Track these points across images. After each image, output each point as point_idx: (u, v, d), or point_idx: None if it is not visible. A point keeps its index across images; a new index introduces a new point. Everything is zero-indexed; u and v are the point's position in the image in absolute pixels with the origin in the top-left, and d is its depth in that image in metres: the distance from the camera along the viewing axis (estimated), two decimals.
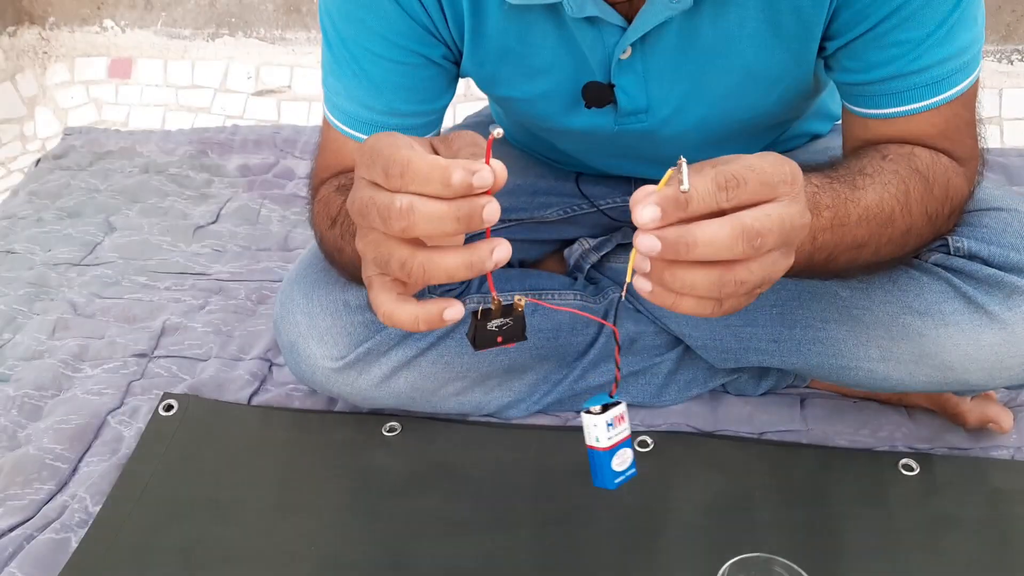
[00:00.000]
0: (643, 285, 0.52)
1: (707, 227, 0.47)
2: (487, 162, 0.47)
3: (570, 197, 0.98)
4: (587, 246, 0.97)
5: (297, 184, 1.43)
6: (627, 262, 0.95)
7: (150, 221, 1.33)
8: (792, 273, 0.62)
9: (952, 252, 0.77)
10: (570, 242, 0.99)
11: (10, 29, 1.59)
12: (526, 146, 1.00)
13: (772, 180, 0.49)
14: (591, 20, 0.69)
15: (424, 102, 0.78)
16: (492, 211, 0.47)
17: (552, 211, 0.98)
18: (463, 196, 0.47)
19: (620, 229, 0.98)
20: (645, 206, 0.48)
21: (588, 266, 0.96)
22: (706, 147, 0.83)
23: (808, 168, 0.57)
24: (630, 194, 0.96)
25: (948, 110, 0.70)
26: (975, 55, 0.70)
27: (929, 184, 0.68)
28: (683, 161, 0.48)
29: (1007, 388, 0.85)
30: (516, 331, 0.54)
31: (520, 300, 0.53)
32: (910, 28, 0.67)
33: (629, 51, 0.71)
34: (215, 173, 1.46)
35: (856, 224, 0.64)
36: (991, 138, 1.36)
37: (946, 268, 0.77)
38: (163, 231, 1.31)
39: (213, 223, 1.34)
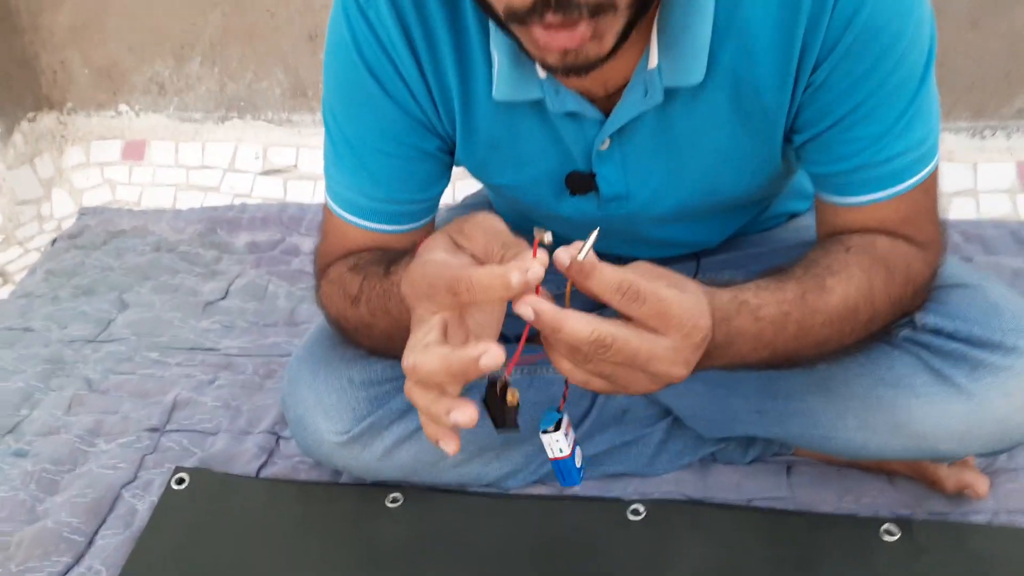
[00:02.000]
0: None
1: (575, 319, 0.56)
2: (534, 255, 0.56)
3: (563, 278, 1.03)
4: None
5: (303, 260, 1.49)
6: None
7: (162, 298, 1.38)
8: (756, 368, 0.68)
9: (918, 327, 0.82)
10: None
11: (30, 115, 1.66)
12: (518, 227, 1.05)
13: (669, 320, 0.57)
14: (572, 115, 0.75)
15: (421, 191, 0.83)
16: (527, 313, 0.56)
17: (545, 287, 1.03)
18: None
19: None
20: (537, 267, 0.55)
21: None
22: (685, 226, 0.89)
23: (789, 277, 0.67)
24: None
25: (910, 197, 0.75)
26: (932, 145, 0.75)
27: (891, 271, 0.73)
28: (595, 233, 0.57)
29: (979, 456, 0.89)
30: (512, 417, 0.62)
31: (513, 393, 0.62)
32: (871, 124, 0.72)
33: (608, 142, 0.76)
34: (224, 250, 1.52)
35: (820, 327, 0.69)
36: (968, 210, 1.43)
37: (914, 343, 0.82)
38: (174, 307, 1.36)
39: (222, 299, 1.39)
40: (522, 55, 0.69)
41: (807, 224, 0.99)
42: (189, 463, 1.04)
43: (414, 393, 0.60)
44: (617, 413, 0.96)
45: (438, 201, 0.86)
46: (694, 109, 0.74)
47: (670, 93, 0.71)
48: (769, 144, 0.77)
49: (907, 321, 0.82)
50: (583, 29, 0.58)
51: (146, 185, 1.68)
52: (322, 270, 0.86)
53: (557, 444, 0.67)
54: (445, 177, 0.85)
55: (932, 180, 0.76)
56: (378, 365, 0.88)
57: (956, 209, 1.41)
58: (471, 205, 1.14)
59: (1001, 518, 0.90)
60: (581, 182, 0.80)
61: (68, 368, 1.23)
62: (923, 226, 0.77)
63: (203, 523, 0.95)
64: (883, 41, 0.68)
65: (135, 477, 1.03)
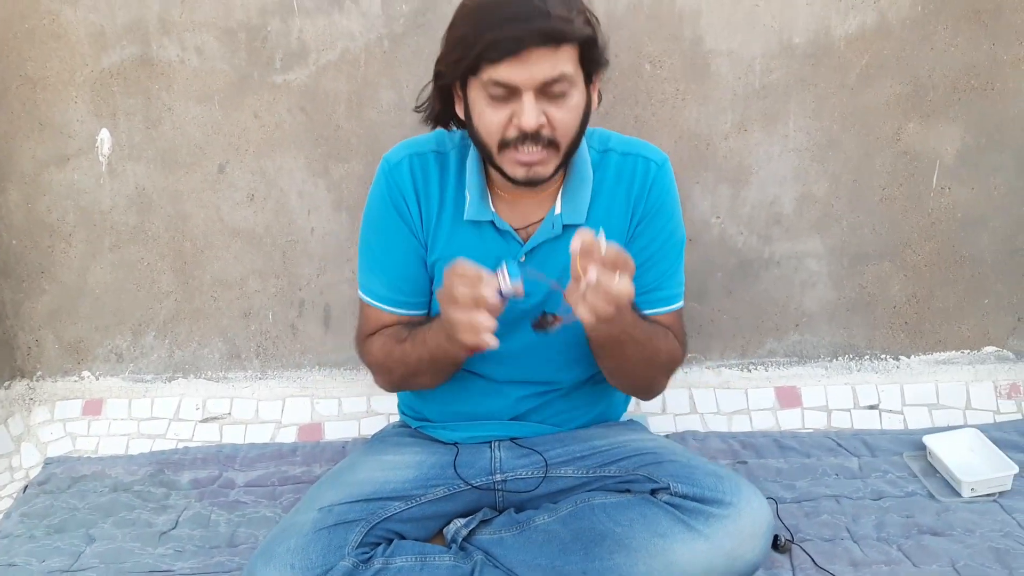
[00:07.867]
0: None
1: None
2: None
3: (451, 479, 1.43)
4: (459, 525, 1.41)
5: (238, 492, 1.82)
6: (486, 535, 1.39)
7: (122, 531, 1.68)
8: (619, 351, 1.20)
9: (673, 494, 1.27)
10: (448, 523, 1.43)
11: (5, 383, 2.00)
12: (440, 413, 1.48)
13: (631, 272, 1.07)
14: (504, 233, 1.27)
15: (420, 294, 1.36)
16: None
17: (439, 489, 1.42)
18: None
19: (481, 509, 1.43)
20: (583, 235, 1.04)
21: (460, 539, 1.39)
22: (554, 355, 1.39)
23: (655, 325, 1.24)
24: (492, 474, 1.43)
25: (675, 315, 1.33)
26: (682, 292, 1.34)
27: (670, 343, 1.29)
28: (602, 233, 1.03)
29: None
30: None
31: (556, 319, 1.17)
32: (659, 264, 1.31)
33: (524, 258, 1.27)
34: (171, 487, 1.83)
35: (654, 349, 1.24)
36: (743, 425, 1.89)
37: (671, 505, 1.26)
38: (133, 538, 1.66)
39: (173, 529, 1.70)
40: (484, 194, 1.29)
41: (623, 438, 1.43)
42: None
43: (454, 310, 1.07)
44: None
45: (429, 304, 1.38)
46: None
47: (565, 228, 1.26)
48: None
49: (665, 489, 1.26)
50: (541, 151, 1.17)
51: (103, 436, 2.00)
52: (364, 338, 1.38)
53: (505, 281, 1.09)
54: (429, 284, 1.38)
55: (682, 312, 1.35)
56: (312, 553, 1.24)
57: (735, 424, 1.89)
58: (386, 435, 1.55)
59: None
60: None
61: None
62: (680, 335, 1.32)
63: None
64: (665, 221, 1.31)
65: None
